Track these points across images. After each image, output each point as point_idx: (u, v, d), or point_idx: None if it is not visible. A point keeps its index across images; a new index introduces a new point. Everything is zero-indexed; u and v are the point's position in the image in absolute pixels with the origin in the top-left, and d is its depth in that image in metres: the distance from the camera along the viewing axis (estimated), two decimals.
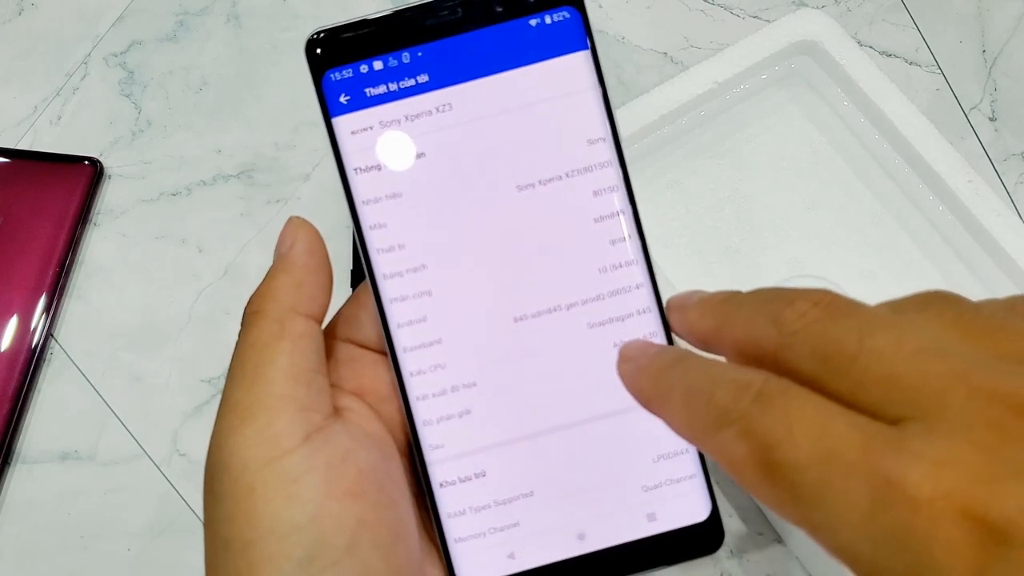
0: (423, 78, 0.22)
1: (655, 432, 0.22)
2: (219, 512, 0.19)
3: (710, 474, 0.22)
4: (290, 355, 0.20)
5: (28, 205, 0.46)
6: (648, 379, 0.18)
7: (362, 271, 0.22)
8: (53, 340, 0.45)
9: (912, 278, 0.40)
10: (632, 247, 0.22)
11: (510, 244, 0.22)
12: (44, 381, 0.44)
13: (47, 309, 0.44)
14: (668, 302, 0.21)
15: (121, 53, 0.51)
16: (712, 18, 0.50)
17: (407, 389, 0.22)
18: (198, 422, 0.44)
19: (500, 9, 0.22)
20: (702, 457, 0.22)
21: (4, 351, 0.43)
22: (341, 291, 0.35)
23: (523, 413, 0.22)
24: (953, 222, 0.40)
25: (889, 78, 0.40)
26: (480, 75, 0.22)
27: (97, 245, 0.47)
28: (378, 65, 0.22)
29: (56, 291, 0.45)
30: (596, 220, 0.22)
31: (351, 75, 0.22)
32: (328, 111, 0.22)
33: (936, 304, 0.15)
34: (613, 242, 0.22)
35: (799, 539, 0.38)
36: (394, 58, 0.22)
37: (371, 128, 0.22)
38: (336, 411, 0.21)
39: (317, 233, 0.22)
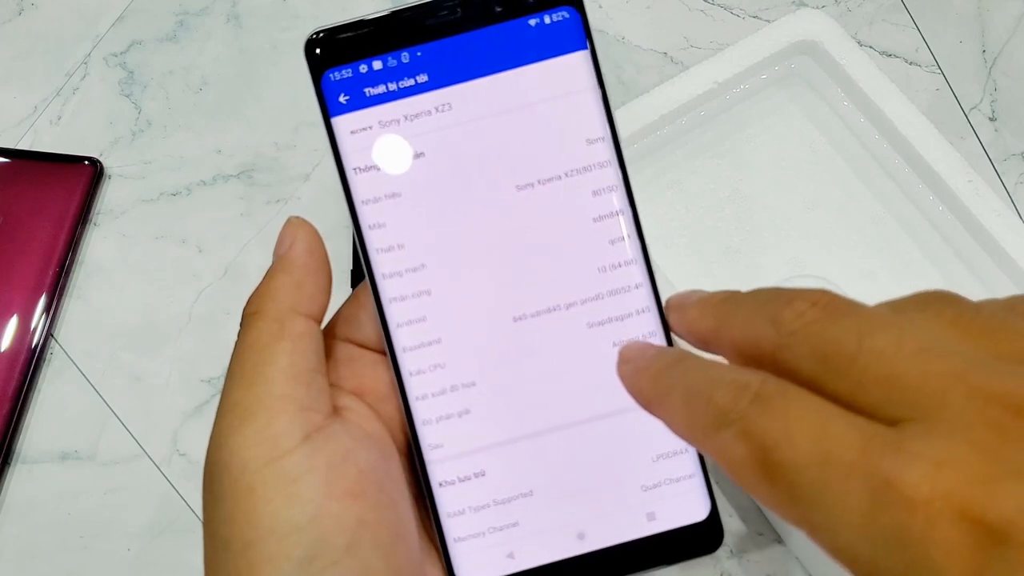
0: (422, 78, 0.22)
1: (654, 432, 0.22)
2: (219, 512, 0.19)
3: (709, 474, 0.22)
4: (290, 355, 0.20)
5: (28, 205, 0.46)
6: (647, 380, 0.18)
7: (362, 271, 0.22)
8: (53, 340, 0.45)
9: (912, 278, 0.40)
10: (631, 247, 0.22)
11: (509, 244, 0.22)
12: (44, 381, 0.44)
13: (47, 309, 0.44)
14: (667, 302, 0.21)
15: (121, 53, 0.51)
16: (712, 18, 0.50)
17: (406, 389, 0.22)
18: (198, 422, 0.44)
19: (499, 9, 0.22)
20: (701, 457, 0.22)
21: (4, 351, 0.43)
22: (341, 291, 0.35)
23: (522, 413, 0.22)
24: (953, 222, 0.40)
25: (889, 78, 0.40)
26: (479, 75, 0.22)
27: (97, 245, 0.47)
28: (377, 65, 0.22)
29: (56, 291, 0.45)
30: (595, 220, 0.22)
31: (350, 75, 0.22)
32: (327, 111, 0.22)
33: (936, 304, 0.15)
34: (612, 242, 0.22)
35: (799, 539, 0.38)
36: (393, 58, 0.22)
37: (370, 128, 0.22)
38: (336, 411, 0.21)
39: (316, 233, 0.22)
